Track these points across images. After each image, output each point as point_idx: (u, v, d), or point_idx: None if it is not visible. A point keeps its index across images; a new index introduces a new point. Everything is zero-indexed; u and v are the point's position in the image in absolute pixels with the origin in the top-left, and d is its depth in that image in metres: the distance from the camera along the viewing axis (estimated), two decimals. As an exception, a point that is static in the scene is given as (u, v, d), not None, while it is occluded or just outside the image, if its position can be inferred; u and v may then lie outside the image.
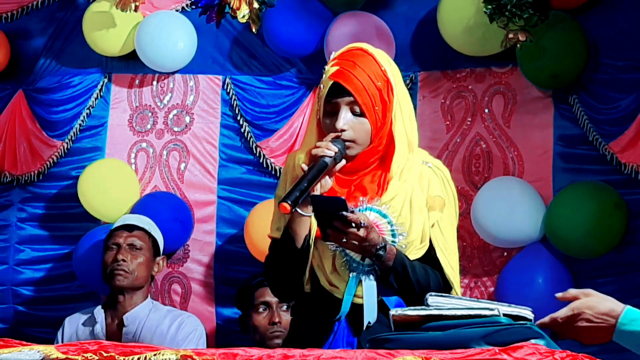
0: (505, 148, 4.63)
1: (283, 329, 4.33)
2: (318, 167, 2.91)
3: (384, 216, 2.99)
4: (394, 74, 3.04)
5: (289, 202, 2.85)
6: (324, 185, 2.96)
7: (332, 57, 3.07)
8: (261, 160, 4.96)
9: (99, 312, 4.55)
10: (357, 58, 3.02)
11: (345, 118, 2.98)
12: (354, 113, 2.98)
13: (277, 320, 4.36)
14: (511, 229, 4.44)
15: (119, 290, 4.51)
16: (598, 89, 4.44)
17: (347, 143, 2.97)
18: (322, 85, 3.03)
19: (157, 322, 4.50)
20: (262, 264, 4.65)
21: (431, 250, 3.06)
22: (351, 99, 2.97)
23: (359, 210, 2.96)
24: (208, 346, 4.64)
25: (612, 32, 4.42)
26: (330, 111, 3.00)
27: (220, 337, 4.91)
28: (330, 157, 2.92)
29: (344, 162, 2.97)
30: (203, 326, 4.63)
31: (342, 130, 2.97)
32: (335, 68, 3.01)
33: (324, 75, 3.02)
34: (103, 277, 4.57)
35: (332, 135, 2.97)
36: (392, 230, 3.00)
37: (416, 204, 3.02)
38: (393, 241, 2.99)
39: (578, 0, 4.45)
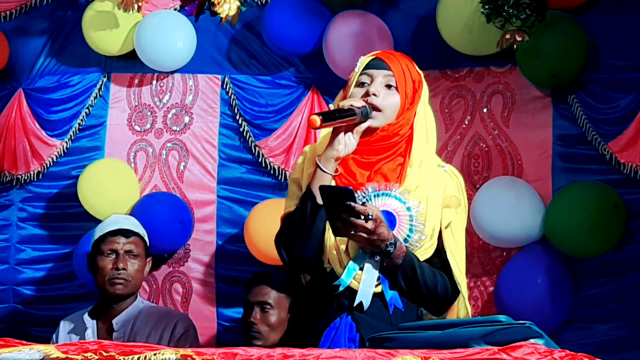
0: (504, 148, 4.63)
1: (257, 331, 4.29)
2: (346, 109, 3.01)
3: (408, 209, 3.02)
4: (424, 84, 3.19)
5: (319, 115, 2.92)
6: (348, 144, 3.03)
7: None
8: (260, 160, 4.95)
9: (88, 319, 4.46)
10: (397, 54, 3.20)
11: (379, 85, 3.10)
12: (387, 87, 3.10)
13: (249, 320, 4.31)
14: (510, 228, 4.44)
15: (114, 297, 4.45)
16: (597, 88, 4.44)
17: (374, 112, 3.05)
18: (357, 64, 3.14)
19: (148, 324, 4.43)
20: (262, 264, 4.71)
21: (440, 252, 3.08)
22: (388, 72, 3.10)
23: (381, 194, 3.00)
24: (208, 346, 4.64)
25: (611, 31, 4.42)
26: (363, 82, 3.11)
27: (220, 336, 4.91)
28: (358, 108, 3.02)
29: (369, 123, 3.04)
30: (195, 326, 4.57)
31: (374, 95, 3.07)
32: (376, 52, 3.18)
33: (357, 67, 3.14)
34: (97, 282, 4.49)
35: (360, 98, 3.07)
36: (411, 225, 3.02)
37: (432, 201, 3.06)
38: (409, 235, 3.01)
39: (577, 0, 4.45)
